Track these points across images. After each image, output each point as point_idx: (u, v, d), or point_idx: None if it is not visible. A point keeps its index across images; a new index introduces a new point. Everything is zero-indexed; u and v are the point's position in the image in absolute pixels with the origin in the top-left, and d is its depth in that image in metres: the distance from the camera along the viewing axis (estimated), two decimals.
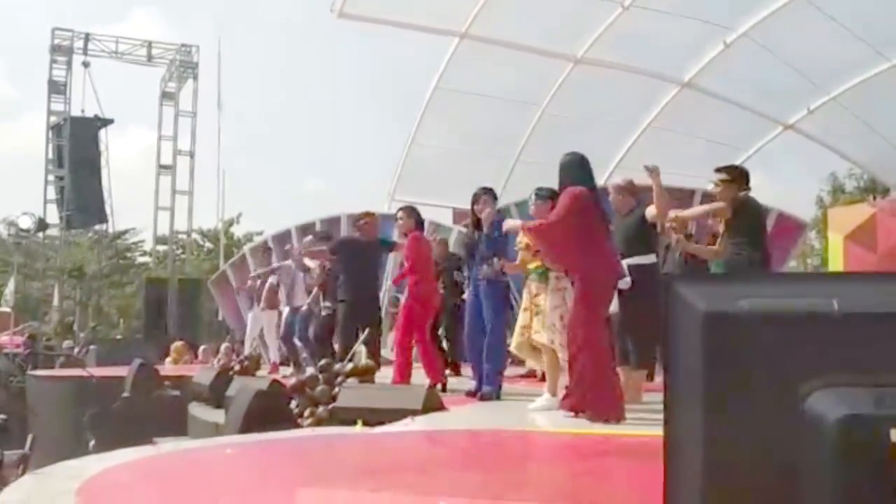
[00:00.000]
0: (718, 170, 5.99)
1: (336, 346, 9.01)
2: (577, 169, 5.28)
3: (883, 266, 12.29)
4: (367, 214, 9.06)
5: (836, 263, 13.57)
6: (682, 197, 13.77)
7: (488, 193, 7.01)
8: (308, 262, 10.36)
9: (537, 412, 5.70)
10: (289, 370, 10.50)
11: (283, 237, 15.43)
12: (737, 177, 5.87)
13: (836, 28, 11.65)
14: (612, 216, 6.71)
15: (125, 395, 9.10)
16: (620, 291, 6.13)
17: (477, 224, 6.97)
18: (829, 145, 14.85)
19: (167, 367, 12.92)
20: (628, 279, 6.10)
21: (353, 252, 8.74)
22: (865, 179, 26.20)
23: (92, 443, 8.61)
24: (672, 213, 6.14)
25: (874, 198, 20.92)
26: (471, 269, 7.05)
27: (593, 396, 4.89)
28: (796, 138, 14.64)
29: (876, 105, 13.05)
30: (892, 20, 11.49)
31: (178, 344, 15.45)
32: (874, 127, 13.61)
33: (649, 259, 6.23)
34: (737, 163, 14.08)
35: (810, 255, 29.01)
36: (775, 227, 14.03)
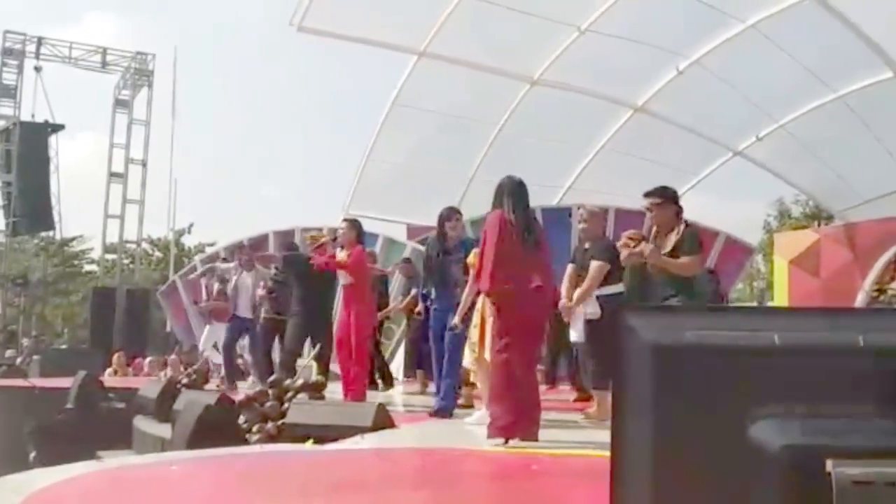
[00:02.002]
0: (648, 194, 5.99)
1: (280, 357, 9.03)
2: (498, 195, 5.19)
3: (826, 290, 12.62)
4: (315, 237, 9.18)
5: (781, 287, 13.89)
6: (633, 219, 13.99)
7: (459, 213, 7.07)
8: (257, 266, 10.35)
9: (474, 426, 5.79)
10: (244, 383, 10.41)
11: (235, 249, 15.28)
12: (668, 197, 5.93)
13: (786, 59, 11.95)
14: (578, 243, 6.84)
15: (69, 406, 8.93)
16: (589, 321, 6.28)
17: (444, 242, 6.97)
18: (776, 172, 15.16)
19: (109, 379, 12.71)
20: (598, 311, 6.23)
21: (304, 266, 8.78)
22: (811, 206, 26.85)
23: (33, 455, 8.43)
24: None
25: (819, 224, 21.48)
26: (440, 288, 6.98)
27: (494, 411, 4.89)
28: (745, 164, 14.94)
29: (822, 134, 13.37)
30: (836, 53, 11.82)
31: (118, 355, 15.21)
32: (819, 156, 13.95)
33: (616, 289, 6.38)
34: (687, 187, 14.44)
35: (756, 278, 29.61)
36: (723, 250, 14.32)
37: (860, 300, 11.89)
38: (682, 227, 5.78)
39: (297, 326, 8.74)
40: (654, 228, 5.97)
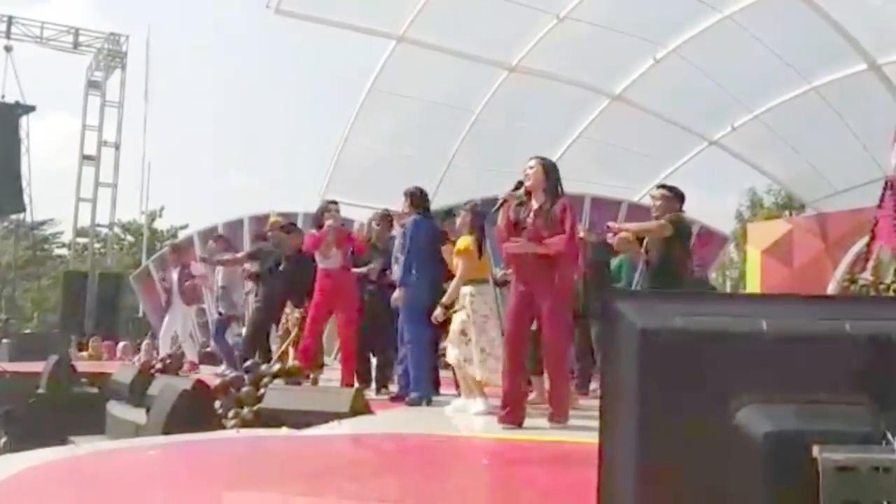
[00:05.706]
0: (662, 186, 6.49)
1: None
2: (556, 179, 5.34)
3: (797, 279, 12.75)
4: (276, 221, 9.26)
5: (753, 276, 14.01)
6: (609, 206, 14.05)
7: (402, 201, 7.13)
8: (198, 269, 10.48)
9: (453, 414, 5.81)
10: (214, 369, 10.32)
11: (208, 233, 15.17)
12: (677, 195, 6.28)
13: (762, 50, 12.02)
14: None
15: (40, 391, 8.84)
16: None
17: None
18: (750, 162, 15.26)
19: (83, 363, 12.58)
20: None
21: (270, 260, 8.88)
22: (782, 196, 27.08)
23: (3, 440, 8.35)
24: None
25: (791, 214, 21.70)
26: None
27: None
28: (719, 154, 15.02)
29: (795, 125, 13.48)
30: (812, 44, 11.91)
31: (95, 339, 15.12)
32: (793, 146, 14.05)
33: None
34: (662, 175, 14.52)
35: (729, 267, 29.85)
36: (697, 239, 14.41)
37: (831, 290, 12.01)
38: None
39: (257, 321, 9.01)
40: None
